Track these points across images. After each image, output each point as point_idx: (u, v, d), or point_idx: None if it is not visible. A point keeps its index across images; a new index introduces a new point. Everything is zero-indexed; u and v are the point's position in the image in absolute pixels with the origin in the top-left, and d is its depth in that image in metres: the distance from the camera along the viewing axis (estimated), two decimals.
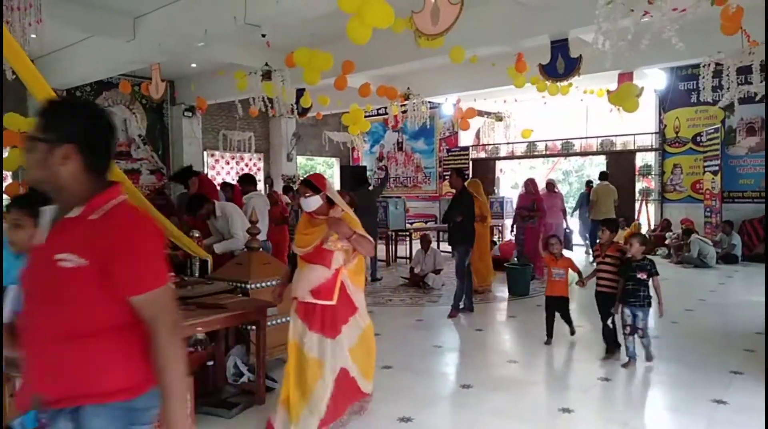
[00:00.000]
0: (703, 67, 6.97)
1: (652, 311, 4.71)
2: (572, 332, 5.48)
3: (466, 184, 6.87)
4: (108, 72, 9.42)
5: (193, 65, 10.56)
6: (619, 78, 8.61)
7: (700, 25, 5.80)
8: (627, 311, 4.60)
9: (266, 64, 8.06)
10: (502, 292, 7.89)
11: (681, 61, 8.93)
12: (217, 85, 10.81)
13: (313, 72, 6.59)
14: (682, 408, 3.84)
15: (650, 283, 4.55)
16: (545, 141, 13.87)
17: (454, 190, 6.85)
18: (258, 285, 4.42)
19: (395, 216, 11.12)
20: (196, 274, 4.80)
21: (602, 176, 10.99)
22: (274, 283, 4.50)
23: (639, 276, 4.53)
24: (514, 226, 9.11)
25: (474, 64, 8.22)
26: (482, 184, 8.02)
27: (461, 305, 6.56)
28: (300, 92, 9.60)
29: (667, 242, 11.16)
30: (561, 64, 7.23)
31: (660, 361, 4.70)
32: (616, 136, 12.73)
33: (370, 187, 9.18)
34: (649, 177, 12.56)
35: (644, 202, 12.38)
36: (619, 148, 12.76)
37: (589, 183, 12.33)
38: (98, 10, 7.29)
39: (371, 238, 3.27)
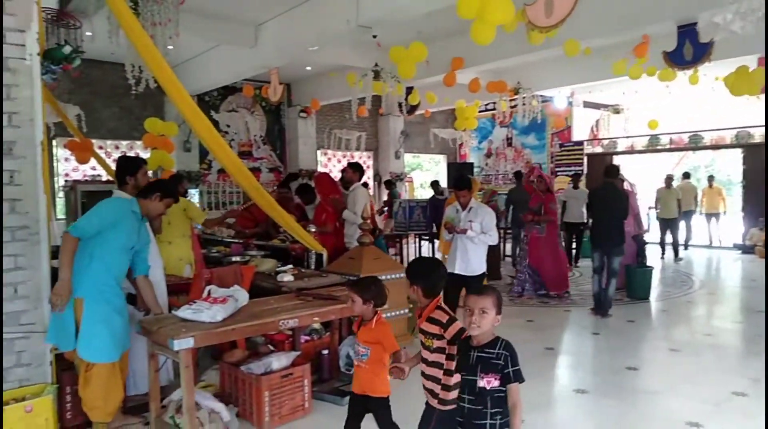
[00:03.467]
0: None
1: None
2: None
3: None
4: (233, 77, 10.12)
5: (308, 68, 11.04)
6: (758, 62, 7.77)
7: None
8: None
9: (376, 64, 8.23)
10: (620, 294, 7.43)
11: None
12: (330, 87, 11.23)
13: (409, 65, 6.65)
14: None
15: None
16: (670, 134, 12.84)
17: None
18: None
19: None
20: (312, 267, 5.02)
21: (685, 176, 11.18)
22: (384, 277, 4.61)
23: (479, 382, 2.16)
24: (521, 232, 8.12)
25: (589, 56, 7.81)
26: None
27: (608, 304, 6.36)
28: (408, 90, 9.70)
29: None
30: (689, 51, 6.69)
31: None
32: (755, 127, 11.48)
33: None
34: None
35: None
36: (757, 140, 11.50)
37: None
38: (224, 21, 7.87)
39: None
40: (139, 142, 9.80)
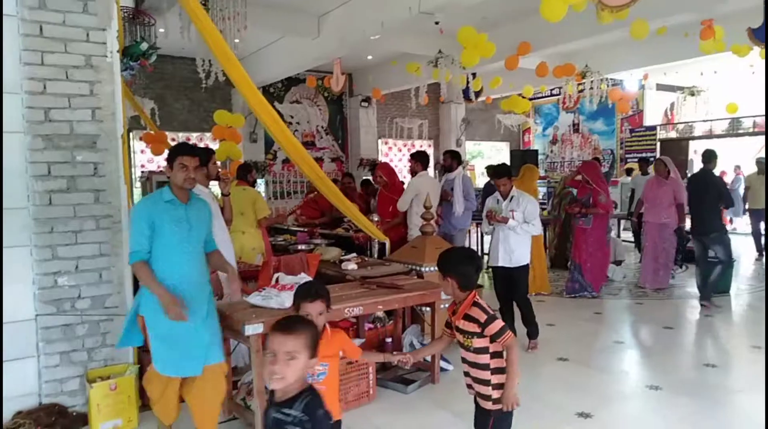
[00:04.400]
0: None
1: None
2: None
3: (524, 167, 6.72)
4: (296, 68, 10.28)
5: (369, 57, 11.06)
6: None
7: None
8: None
9: (439, 52, 8.14)
10: (694, 287, 7.07)
11: None
12: (391, 75, 11.21)
13: (473, 57, 6.51)
14: None
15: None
16: (752, 117, 11.99)
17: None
18: (432, 268, 4.53)
19: None
20: (375, 256, 5.06)
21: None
22: None
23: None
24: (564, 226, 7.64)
25: (664, 35, 7.39)
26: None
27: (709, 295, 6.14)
28: (471, 76, 9.54)
29: None
30: None
31: None
32: None
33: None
34: None
35: None
36: None
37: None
38: (288, 12, 8.00)
39: None
40: (208, 134, 10.17)
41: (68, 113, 3.35)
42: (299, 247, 5.33)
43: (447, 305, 4.48)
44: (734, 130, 12.34)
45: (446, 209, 6.14)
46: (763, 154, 12.23)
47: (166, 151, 3.09)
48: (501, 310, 4.76)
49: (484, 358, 2.31)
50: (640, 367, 4.48)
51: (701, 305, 6.11)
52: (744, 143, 14.06)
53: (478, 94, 10.34)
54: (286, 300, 3.23)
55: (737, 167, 11.63)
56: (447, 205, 6.11)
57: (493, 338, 2.28)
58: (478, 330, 2.29)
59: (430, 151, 14.66)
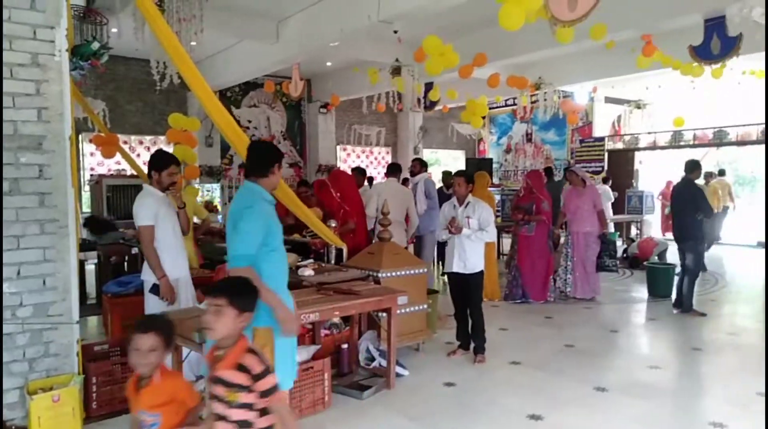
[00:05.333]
0: None
1: None
2: None
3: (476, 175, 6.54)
4: (255, 73, 10.18)
5: (328, 64, 11.06)
6: None
7: None
8: None
9: (396, 60, 8.21)
10: (641, 292, 7.34)
11: None
12: (350, 82, 11.23)
13: (438, 65, 6.59)
14: None
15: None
16: (693, 130, 12.60)
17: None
18: (389, 274, 4.54)
19: None
20: (332, 262, 5.04)
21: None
22: (404, 273, 4.61)
23: None
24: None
25: (612, 51, 7.69)
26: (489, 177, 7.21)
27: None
28: (429, 86, 9.66)
29: None
30: (716, 45, 6.54)
31: None
32: None
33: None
34: None
35: None
36: None
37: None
38: (247, 16, 7.91)
39: None
40: (162, 137, 9.93)
41: (12, 113, 3.20)
42: None
43: (404, 311, 4.52)
44: (676, 142, 12.93)
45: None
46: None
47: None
48: (456, 316, 4.80)
49: (248, 415, 1.94)
50: (588, 369, 4.60)
51: (677, 310, 6.24)
52: (685, 155, 14.76)
53: (435, 103, 10.47)
54: None
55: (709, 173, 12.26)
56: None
57: (264, 394, 1.93)
58: (247, 383, 1.91)
59: (388, 158, 14.75)
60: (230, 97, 11.55)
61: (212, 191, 11.00)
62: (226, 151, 11.55)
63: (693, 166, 6.30)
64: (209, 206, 9.37)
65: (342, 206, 5.76)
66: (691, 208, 6.07)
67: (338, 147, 13.64)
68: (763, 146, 11.85)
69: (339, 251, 5.06)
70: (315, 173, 12.42)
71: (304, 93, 11.78)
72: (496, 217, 7.05)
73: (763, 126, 11.54)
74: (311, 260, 4.85)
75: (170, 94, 10.35)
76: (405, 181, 9.90)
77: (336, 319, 4.47)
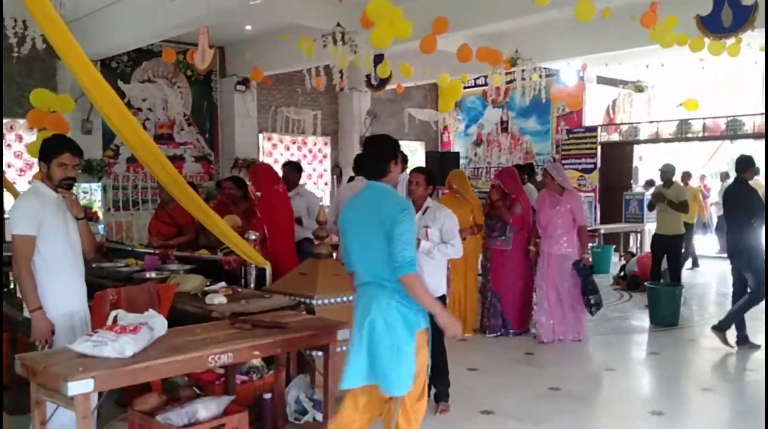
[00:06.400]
0: None
1: None
2: None
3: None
4: (149, 38, 9.95)
5: (248, 28, 10.96)
6: None
7: None
8: None
9: (338, 25, 8.22)
10: (641, 320, 7.61)
11: None
12: (277, 53, 11.15)
13: (385, 36, 6.65)
14: None
15: None
16: (703, 119, 13.21)
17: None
18: (326, 301, 4.53)
19: None
20: (252, 286, 4.98)
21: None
22: (346, 299, 4.60)
23: None
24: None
25: (606, 19, 7.95)
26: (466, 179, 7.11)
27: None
28: (378, 59, 9.71)
29: None
30: (728, 15, 6.89)
31: None
32: None
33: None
34: None
35: None
36: None
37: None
38: None
39: None
40: (21, 121, 9.56)
41: None
42: (147, 274, 5.12)
43: (346, 348, 4.48)
44: (683, 133, 13.46)
45: None
46: (708, 165, 13.51)
47: None
48: None
49: None
50: (577, 418, 4.71)
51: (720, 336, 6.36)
52: (693, 149, 15.38)
53: (385, 81, 10.54)
54: (128, 346, 3.09)
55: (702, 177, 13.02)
56: None
57: None
58: None
59: (327, 150, 14.74)
60: (116, 69, 11.27)
61: (90, 193, 10.69)
62: (111, 140, 11.25)
63: (747, 164, 6.45)
64: (88, 213, 9.09)
65: (255, 211, 5.76)
66: (747, 214, 6.19)
67: (261, 136, 13.52)
68: None
69: (261, 272, 5.01)
70: (230, 170, 12.26)
71: (215, 65, 11.63)
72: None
73: None
74: (223, 284, 4.78)
75: (33, 64, 10.02)
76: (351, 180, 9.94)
77: (256, 361, 4.41)
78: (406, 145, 16.87)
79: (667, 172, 8.64)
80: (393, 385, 3.10)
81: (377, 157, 3.33)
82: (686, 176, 11.43)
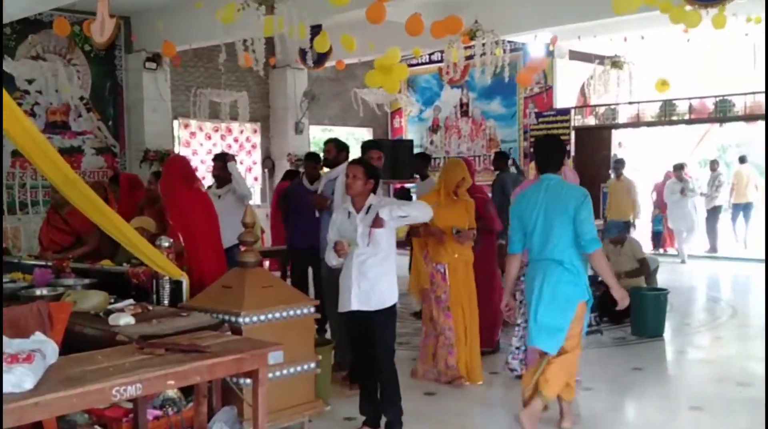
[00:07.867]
0: None
1: None
2: None
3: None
4: (36, 6, 9.72)
5: None
6: None
7: None
8: None
9: None
10: (621, 330, 7.75)
11: None
12: (194, 24, 11.01)
13: None
14: None
15: None
16: (689, 99, 13.56)
17: None
18: (255, 318, 4.50)
19: None
20: (166, 302, 4.92)
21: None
22: (279, 315, 4.59)
23: None
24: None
25: None
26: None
27: None
28: (315, 30, 9.68)
29: None
30: None
31: None
32: None
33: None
34: None
35: None
36: None
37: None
38: None
39: None
40: None
41: None
42: (37, 291, 5.01)
43: (279, 374, 4.47)
44: (667, 116, 13.79)
45: (324, 220, 6.10)
46: (695, 151, 13.92)
47: None
48: (357, 378, 4.84)
49: None
50: None
51: None
52: (679, 133, 15.78)
53: (324, 56, 10.53)
54: (26, 378, 2.96)
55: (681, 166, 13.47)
56: (326, 214, 6.10)
57: None
58: None
59: (256, 139, 14.63)
60: None
61: None
62: None
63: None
64: None
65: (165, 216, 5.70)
66: None
67: (177, 122, 13.36)
68: None
69: (177, 285, 4.96)
70: (140, 164, 12.07)
71: (119, 39, 11.42)
72: None
73: None
74: (130, 301, 4.71)
75: None
76: (295, 174, 9.88)
77: (172, 393, 4.36)
78: (350, 132, 16.90)
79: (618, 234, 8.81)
80: (547, 344, 4.52)
81: (557, 155, 4.82)
82: (620, 165, 12.47)
